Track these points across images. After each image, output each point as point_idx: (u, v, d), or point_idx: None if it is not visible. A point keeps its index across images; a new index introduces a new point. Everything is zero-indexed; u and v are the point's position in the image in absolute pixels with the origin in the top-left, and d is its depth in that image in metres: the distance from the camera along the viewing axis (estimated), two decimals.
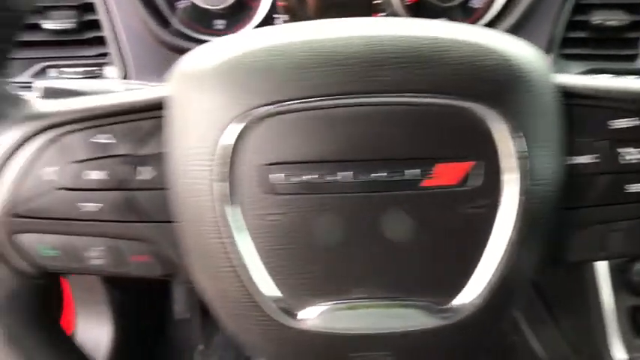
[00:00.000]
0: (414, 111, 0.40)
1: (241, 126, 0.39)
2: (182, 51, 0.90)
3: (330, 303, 0.42)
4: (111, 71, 0.88)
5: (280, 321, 0.42)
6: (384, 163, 0.40)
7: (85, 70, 0.86)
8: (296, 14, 0.96)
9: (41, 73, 0.87)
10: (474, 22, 0.94)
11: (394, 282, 0.42)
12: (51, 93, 0.61)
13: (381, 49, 0.40)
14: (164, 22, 0.90)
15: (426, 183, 0.40)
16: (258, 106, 0.39)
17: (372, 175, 0.40)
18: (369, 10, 0.96)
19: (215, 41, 0.45)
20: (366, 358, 0.43)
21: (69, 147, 0.43)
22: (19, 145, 0.42)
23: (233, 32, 0.95)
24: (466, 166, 0.40)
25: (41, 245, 0.44)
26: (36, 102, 0.44)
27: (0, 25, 0.42)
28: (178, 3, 0.93)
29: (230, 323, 0.45)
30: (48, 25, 0.86)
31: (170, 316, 1.57)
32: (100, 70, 0.88)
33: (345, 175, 0.40)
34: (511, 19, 0.87)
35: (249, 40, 0.42)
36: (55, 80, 0.62)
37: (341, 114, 0.39)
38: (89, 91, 0.63)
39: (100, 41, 0.88)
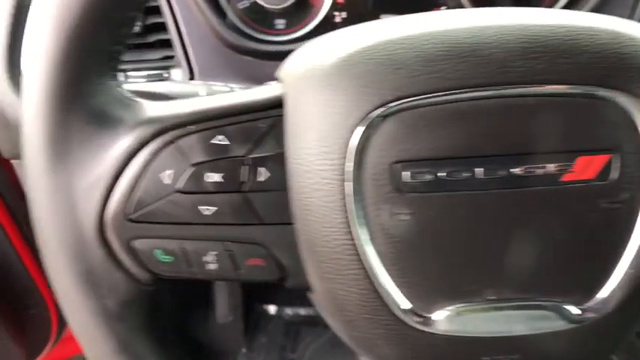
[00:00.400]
0: (553, 102, 0.38)
1: (369, 123, 0.38)
2: (246, 51, 0.90)
3: (460, 305, 0.40)
4: (177, 74, 0.87)
5: (409, 324, 0.40)
6: (522, 158, 0.38)
7: (150, 74, 0.86)
8: (355, 10, 0.95)
9: None
10: (549, 5, 0.91)
11: (528, 282, 0.40)
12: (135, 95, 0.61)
13: (515, 38, 0.38)
14: (227, 24, 0.89)
15: (566, 178, 0.38)
16: (388, 102, 0.38)
17: (509, 170, 0.38)
18: (432, 3, 0.94)
19: (330, 35, 0.43)
20: None
21: (185, 149, 0.42)
22: (136, 150, 0.41)
23: (293, 32, 0.94)
24: (607, 158, 0.38)
25: (157, 251, 0.43)
26: (150, 105, 0.43)
27: (115, 27, 0.41)
28: (240, 3, 0.92)
29: (350, 329, 0.43)
30: None
31: (212, 320, 1.57)
32: (166, 73, 0.87)
33: (479, 172, 0.38)
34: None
35: (371, 32, 0.41)
36: (139, 84, 0.61)
37: (475, 107, 0.37)
38: (172, 92, 0.62)
39: (165, 44, 0.87)
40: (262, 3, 0.90)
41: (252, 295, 1.62)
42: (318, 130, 0.39)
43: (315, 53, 0.42)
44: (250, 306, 1.63)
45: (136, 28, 0.85)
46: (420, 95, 0.37)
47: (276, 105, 0.43)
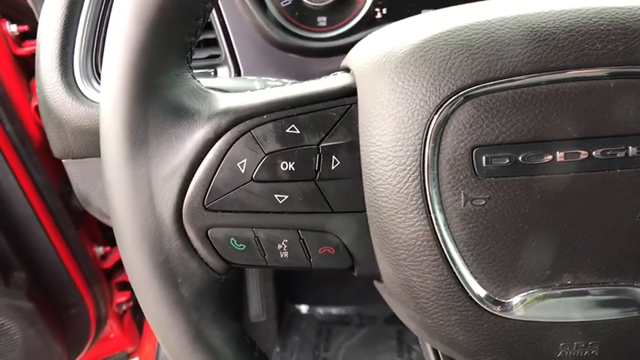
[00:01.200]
0: (633, 84, 0.37)
1: (449, 109, 0.38)
2: (290, 49, 0.90)
3: (538, 291, 0.40)
4: (223, 72, 0.88)
5: (486, 310, 0.40)
6: (603, 141, 0.37)
7: (198, 73, 0.86)
8: (396, 6, 0.95)
9: None
10: None
11: (607, 267, 0.39)
12: None
13: (593, 21, 0.37)
14: (272, 21, 0.90)
15: None
16: (466, 87, 0.37)
17: (590, 154, 0.37)
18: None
19: (398, 23, 0.44)
20: (574, 347, 0.41)
21: (260, 139, 0.42)
22: (213, 140, 0.42)
23: (335, 29, 0.94)
24: None
25: (232, 239, 0.43)
26: (225, 97, 0.44)
27: (191, 18, 0.41)
28: (283, 2, 0.92)
29: (424, 316, 0.43)
30: None
31: (246, 319, 1.58)
32: (214, 71, 0.88)
33: (559, 155, 0.37)
34: None
35: (444, 19, 0.41)
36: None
37: (553, 91, 0.37)
38: (228, 87, 0.63)
39: (211, 43, 0.88)
40: (305, 0, 0.91)
41: (285, 294, 1.62)
42: (395, 117, 0.39)
43: (387, 41, 0.42)
44: (283, 305, 1.63)
45: None
46: (498, 80, 0.37)
47: (347, 94, 0.43)
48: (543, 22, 0.38)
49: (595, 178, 0.38)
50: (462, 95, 0.38)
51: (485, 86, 0.37)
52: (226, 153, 0.42)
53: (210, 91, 0.44)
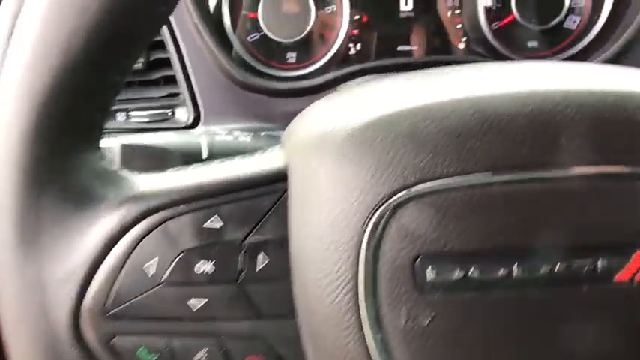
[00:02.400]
0: (606, 187, 0.31)
1: (389, 210, 0.32)
2: (255, 89, 0.85)
3: None
4: (181, 113, 0.82)
5: None
6: (567, 253, 0.31)
7: (154, 114, 0.81)
8: (371, 43, 0.89)
9: (109, 118, 0.82)
10: (569, 45, 0.85)
11: None
12: (129, 151, 0.56)
13: (564, 107, 0.31)
14: (235, 59, 0.84)
15: (621, 276, 0.31)
16: (410, 185, 0.31)
17: (552, 267, 0.31)
18: (453, 36, 0.88)
19: (338, 97, 0.38)
20: None
21: (174, 234, 0.36)
22: (118, 236, 0.36)
23: (305, 66, 0.88)
24: None
25: (141, 349, 0.37)
26: (137, 180, 0.38)
27: (95, 93, 0.35)
28: (250, 37, 0.87)
29: None
30: None
31: None
32: (171, 112, 0.82)
33: (516, 269, 0.31)
34: (616, 43, 0.77)
35: (390, 97, 0.35)
36: (133, 136, 0.56)
37: (513, 193, 0.31)
38: (170, 145, 0.57)
39: (170, 81, 0.83)
40: (273, 36, 0.85)
41: None
42: (329, 214, 0.33)
43: (325, 119, 0.36)
44: None
45: (139, 65, 0.81)
46: (447, 177, 0.31)
47: (280, 178, 0.37)
48: (503, 109, 0.32)
49: (558, 296, 0.32)
50: (404, 194, 0.32)
51: (432, 185, 0.31)
52: (133, 250, 0.36)
53: (123, 173, 0.38)
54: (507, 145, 0.31)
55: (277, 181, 0.37)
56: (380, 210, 0.32)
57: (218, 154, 0.59)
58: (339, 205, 0.33)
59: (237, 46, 0.85)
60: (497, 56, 0.86)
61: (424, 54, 0.89)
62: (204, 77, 0.81)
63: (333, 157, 0.33)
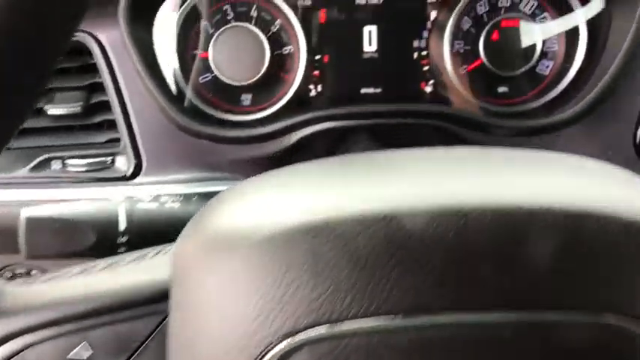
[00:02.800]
0: (526, 335, 0.25)
1: (278, 356, 0.25)
2: (202, 136, 0.78)
3: None
4: (122, 161, 0.75)
5: None
6: None
7: (92, 162, 0.74)
8: (334, 84, 0.83)
9: (43, 166, 0.75)
10: (542, 91, 0.79)
11: None
12: (35, 224, 0.49)
13: (473, 234, 0.25)
14: (181, 101, 0.78)
15: None
16: (301, 329, 0.25)
17: None
18: (417, 79, 0.82)
19: (235, 196, 0.32)
20: None
21: None
22: None
23: (261, 109, 0.82)
24: None
25: None
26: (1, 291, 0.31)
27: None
28: (202, 77, 0.81)
29: None
30: (52, 109, 0.75)
31: None
32: (111, 160, 0.75)
33: None
34: (593, 90, 0.71)
35: (292, 201, 0.29)
36: (41, 207, 0.50)
37: (418, 342, 0.25)
38: (83, 217, 0.51)
39: (111, 125, 0.76)
40: (225, 78, 0.79)
41: None
42: (210, 349, 0.27)
43: (216, 230, 0.30)
44: None
45: (77, 108, 0.74)
46: (348, 320, 0.25)
47: (161, 298, 0.31)
48: (423, 233, 0.26)
49: None
50: (294, 341, 0.25)
51: (331, 330, 0.25)
52: None
53: None
54: (425, 280, 0.25)
55: (158, 300, 0.30)
56: (266, 356, 0.25)
57: (139, 225, 0.52)
58: (220, 344, 0.26)
59: (184, 88, 0.79)
60: (465, 102, 0.80)
61: (389, 97, 0.83)
62: (147, 122, 0.75)
63: (223, 278, 0.27)
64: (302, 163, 0.38)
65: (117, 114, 0.73)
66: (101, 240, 0.51)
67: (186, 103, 0.79)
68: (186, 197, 0.56)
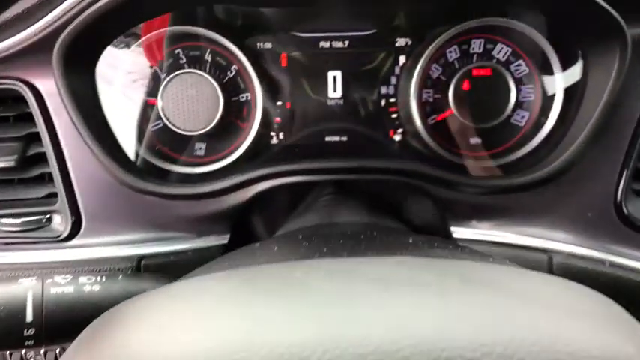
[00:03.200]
0: None
1: None
2: (150, 193, 0.71)
3: None
4: (59, 220, 0.69)
5: None
6: None
7: (27, 221, 0.68)
8: (297, 130, 0.77)
9: None
10: (518, 145, 0.73)
11: None
12: None
13: None
14: (125, 155, 0.72)
15: None
16: None
17: None
18: (385, 128, 0.76)
19: (126, 322, 0.26)
20: None
21: None
22: None
23: (216, 160, 0.76)
24: None
25: None
26: None
27: None
28: (152, 125, 0.74)
29: None
30: None
31: None
32: (47, 218, 0.69)
33: None
34: (572, 145, 0.66)
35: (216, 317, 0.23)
36: None
37: None
38: None
39: (49, 179, 0.70)
40: (175, 127, 0.73)
41: None
42: None
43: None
44: None
45: (11, 162, 0.68)
46: None
47: None
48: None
49: None
50: None
51: None
52: None
53: None
54: None
55: None
56: None
57: (51, 314, 0.46)
58: None
59: (132, 139, 0.73)
60: (434, 154, 0.74)
61: (355, 146, 0.77)
62: (88, 177, 0.68)
63: None
64: (206, 274, 0.32)
65: (53, 167, 0.67)
66: (3, 333, 0.44)
67: (132, 156, 0.72)
68: (110, 278, 0.49)
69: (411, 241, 0.46)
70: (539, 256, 0.67)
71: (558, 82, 0.71)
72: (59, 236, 0.67)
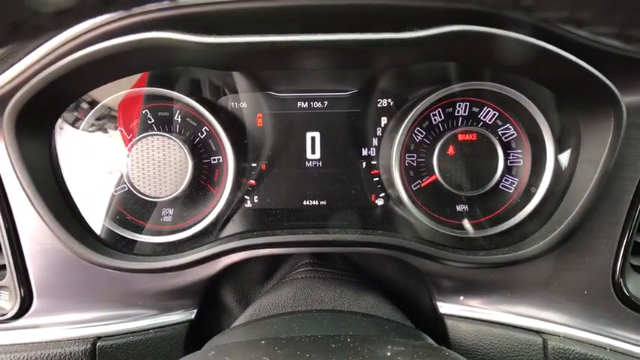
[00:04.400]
0: None
1: None
2: (111, 267, 0.63)
3: None
4: (5, 297, 0.62)
5: None
6: None
7: None
8: (274, 193, 0.71)
9: None
10: (507, 213, 0.68)
11: None
12: None
13: None
14: (83, 227, 0.65)
15: None
16: None
17: None
18: (366, 192, 0.70)
19: None
20: None
21: None
22: None
23: (184, 228, 0.70)
24: None
25: None
26: None
27: None
28: (116, 188, 0.68)
29: None
30: None
31: None
32: None
33: None
34: (566, 219, 0.60)
35: None
36: None
37: None
38: None
39: None
40: (139, 195, 0.67)
41: None
42: None
43: None
44: None
45: None
46: None
47: None
48: None
49: None
50: None
51: None
52: None
53: None
54: None
55: None
56: None
57: None
58: None
59: (93, 206, 0.67)
60: (415, 219, 0.68)
61: (334, 211, 0.71)
62: (41, 249, 0.62)
63: None
64: None
65: (2, 237, 0.60)
66: None
67: (94, 226, 0.66)
68: None
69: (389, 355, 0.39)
70: (533, 338, 0.60)
71: (549, 148, 0.66)
72: (4, 315, 0.60)
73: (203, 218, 0.70)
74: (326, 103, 0.71)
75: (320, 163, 0.72)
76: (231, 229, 0.68)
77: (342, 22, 0.53)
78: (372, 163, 0.71)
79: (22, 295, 0.60)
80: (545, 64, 0.55)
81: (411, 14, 0.53)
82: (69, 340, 0.60)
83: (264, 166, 0.71)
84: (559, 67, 0.55)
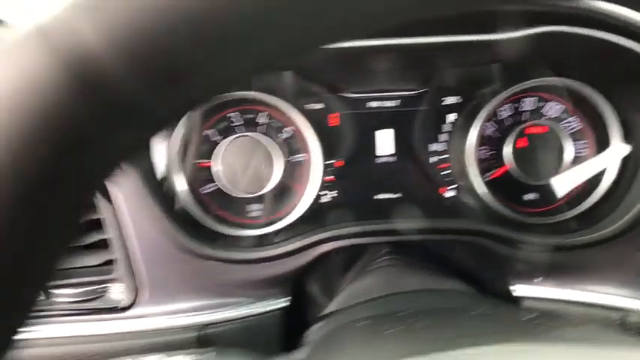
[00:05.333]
0: None
1: None
2: (211, 258, 0.68)
3: None
4: (117, 289, 0.65)
5: None
6: None
7: (82, 292, 0.64)
8: (346, 191, 0.75)
9: None
10: (577, 200, 0.72)
11: None
12: None
13: None
14: (184, 220, 0.69)
15: None
16: None
17: None
18: (436, 184, 0.74)
19: None
20: None
21: None
22: None
23: (271, 222, 0.73)
24: None
25: None
26: None
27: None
28: (204, 188, 0.72)
29: None
30: None
31: None
32: (104, 287, 0.65)
33: None
34: (636, 205, 0.64)
35: None
36: None
37: None
38: None
39: (105, 246, 0.66)
40: (229, 190, 0.70)
41: None
42: None
43: None
44: None
45: None
46: None
47: None
48: None
49: None
50: None
51: None
52: None
53: None
54: None
55: None
56: None
57: None
58: None
59: (187, 199, 0.70)
60: (487, 208, 0.72)
61: (407, 203, 0.75)
62: (148, 243, 0.65)
63: None
64: None
65: (113, 233, 0.64)
66: None
67: (190, 221, 0.70)
68: None
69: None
70: (611, 314, 0.64)
71: (614, 135, 0.70)
72: (116, 307, 0.64)
73: (289, 213, 0.73)
74: (397, 102, 0.75)
75: (391, 159, 0.75)
76: (316, 222, 0.72)
77: (433, 24, 0.57)
78: (442, 157, 0.75)
79: (132, 287, 0.64)
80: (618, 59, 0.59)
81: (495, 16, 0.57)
82: (177, 328, 0.63)
83: (340, 163, 0.75)
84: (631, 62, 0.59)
